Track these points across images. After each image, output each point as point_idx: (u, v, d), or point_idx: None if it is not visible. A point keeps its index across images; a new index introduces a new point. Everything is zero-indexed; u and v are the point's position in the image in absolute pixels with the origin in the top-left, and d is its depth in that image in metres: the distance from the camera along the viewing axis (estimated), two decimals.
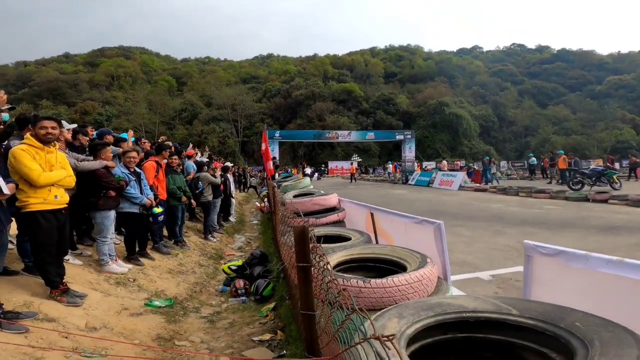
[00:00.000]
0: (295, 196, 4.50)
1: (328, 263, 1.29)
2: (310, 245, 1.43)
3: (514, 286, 3.82)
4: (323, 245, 2.49)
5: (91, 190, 3.88)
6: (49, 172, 2.85)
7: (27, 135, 2.91)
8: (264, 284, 4.16)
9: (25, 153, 2.73)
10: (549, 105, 61.06)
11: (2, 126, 3.06)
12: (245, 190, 19.75)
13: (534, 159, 22.89)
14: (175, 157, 5.94)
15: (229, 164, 11.30)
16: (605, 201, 10.08)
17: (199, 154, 10.16)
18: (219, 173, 8.22)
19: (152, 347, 2.95)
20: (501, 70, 72.73)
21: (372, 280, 1.85)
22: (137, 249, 4.70)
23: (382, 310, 1.55)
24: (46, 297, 3.03)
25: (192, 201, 6.34)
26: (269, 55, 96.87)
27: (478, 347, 1.45)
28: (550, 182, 17.36)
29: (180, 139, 46.07)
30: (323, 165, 48.87)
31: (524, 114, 58.85)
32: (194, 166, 7.24)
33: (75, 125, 4.50)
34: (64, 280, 3.12)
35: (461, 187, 16.79)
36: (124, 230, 4.89)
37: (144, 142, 7.12)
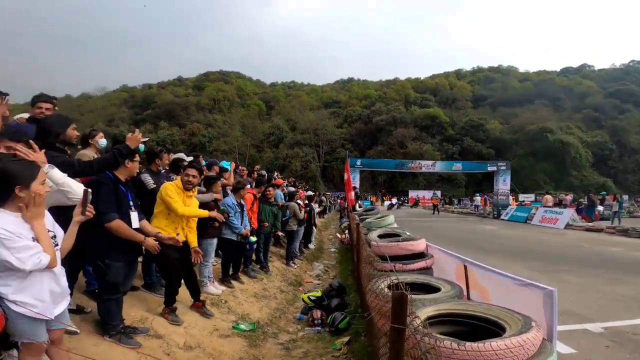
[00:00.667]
0: (380, 236, 4.46)
1: (427, 327, 1.26)
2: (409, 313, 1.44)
3: (630, 340, 3.48)
4: (412, 296, 2.41)
5: (200, 220, 4.42)
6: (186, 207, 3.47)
7: (178, 179, 3.57)
8: (340, 317, 4.19)
9: (173, 188, 3.41)
10: None
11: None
12: (324, 216, 20.16)
13: None
14: (271, 189, 6.41)
15: (310, 192, 11.76)
16: None
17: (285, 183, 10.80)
18: (305, 202, 8.61)
19: None
20: (619, 90, 62.62)
21: (468, 344, 1.73)
22: (230, 272, 5.14)
23: None
24: (157, 313, 3.48)
25: (279, 232, 6.76)
26: (349, 80, 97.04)
27: None
28: None
29: (268, 162, 49.45)
30: (402, 195, 47.38)
31: None
32: (282, 195, 7.72)
33: (191, 159, 5.19)
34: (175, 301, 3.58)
35: (568, 226, 14.59)
36: (221, 253, 5.39)
37: (242, 170, 7.81)
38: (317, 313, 4.44)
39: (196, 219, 3.71)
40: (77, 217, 1.95)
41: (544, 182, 46.05)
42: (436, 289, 2.51)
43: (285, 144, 56.83)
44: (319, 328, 4.29)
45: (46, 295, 1.79)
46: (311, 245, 9.95)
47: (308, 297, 4.98)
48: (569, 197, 23.85)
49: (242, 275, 5.51)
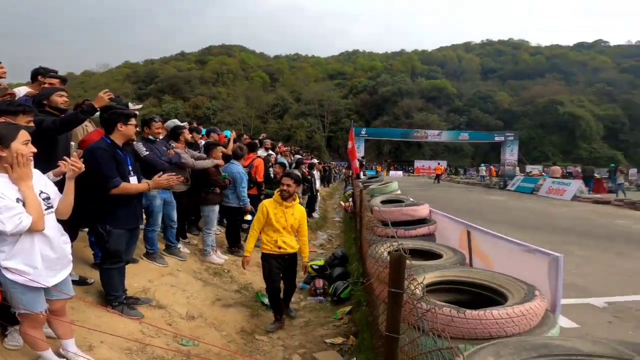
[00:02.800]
0: (382, 202, 4.39)
1: (425, 291, 1.21)
2: (406, 275, 1.38)
3: (634, 316, 3.44)
4: (413, 262, 2.37)
5: (201, 186, 4.38)
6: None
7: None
8: (342, 286, 4.20)
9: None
10: None
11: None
12: (329, 185, 20.24)
13: None
14: (273, 154, 6.33)
15: (315, 160, 11.68)
16: None
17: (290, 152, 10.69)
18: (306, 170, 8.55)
19: (235, 340, 3.20)
20: (634, 66, 60.39)
21: (467, 312, 1.69)
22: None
23: (477, 347, 1.41)
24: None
25: None
26: (354, 52, 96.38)
27: None
28: None
29: (273, 132, 49.48)
30: (407, 165, 47.36)
31: None
32: (286, 162, 7.64)
33: (140, 106, 4.96)
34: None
35: (575, 198, 14.44)
36: (225, 222, 5.38)
37: (245, 138, 7.70)
38: (320, 282, 4.45)
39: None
40: (69, 173, 1.92)
41: (552, 154, 45.36)
42: (438, 256, 2.47)
43: (290, 115, 57.07)
44: (321, 297, 4.32)
45: (38, 261, 1.74)
46: (315, 215, 9.98)
47: (310, 266, 5.00)
48: (578, 169, 23.53)
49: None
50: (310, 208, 9.57)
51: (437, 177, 27.04)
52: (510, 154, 22.75)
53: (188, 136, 4.69)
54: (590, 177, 17.44)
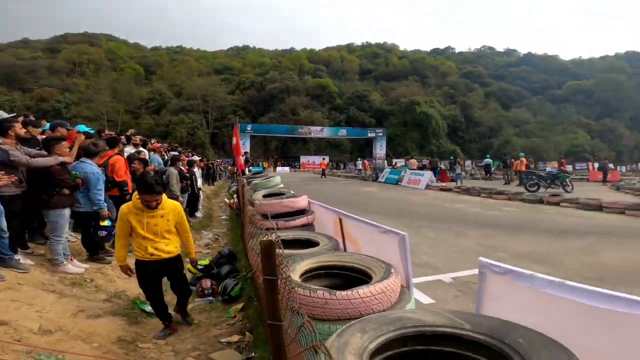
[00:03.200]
0: (264, 196, 4.46)
1: (289, 277, 1.29)
2: (277, 260, 1.44)
3: (471, 289, 3.84)
4: (292, 250, 2.49)
5: (44, 187, 3.65)
6: None
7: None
8: (232, 284, 4.11)
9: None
10: (512, 107, 64.13)
11: None
12: (214, 183, 19.41)
13: (489, 160, 24.17)
14: (144, 151, 5.67)
15: (196, 157, 10.96)
16: (557, 204, 10.80)
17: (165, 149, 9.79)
18: (185, 167, 7.99)
19: (112, 350, 2.84)
20: (471, 72, 75.40)
21: (338, 293, 1.87)
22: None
23: (346, 326, 1.58)
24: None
25: None
26: (244, 47, 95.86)
27: (435, 359, 1.52)
28: (507, 183, 18.31)
29: (147, 128, 44.55)
30: (294, 161, 49.02)
31: (489, 115, 61.47)
32: (159, 160, 6.98)
33: (8, 116, 4.18)
34: None
35: (428, 186, 17.35)
36: (80, 229, 4.63)
37: (106, 133, 6.74)
38: (207, 282, 4.28)
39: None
40: None
41: (411, 148, 53.13)
42: (316, 244, 2.66)
43: (168, 110, 52.68)
44: (211, 298, 4.17)
45: None
46: (198, 214, 9.45)
47: (195, 266, 4.76)
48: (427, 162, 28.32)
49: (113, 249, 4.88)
50: (192, 207, 9.00)
51: (323, 171, 29.11)
52: (380, 149, 25.78)
53: (21, 131, 3.85)
54: (436, 168, 21.14)
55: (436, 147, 54.89)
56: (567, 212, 9.55)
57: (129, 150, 6.16)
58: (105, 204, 4.29)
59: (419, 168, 22.14)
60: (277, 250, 1.47)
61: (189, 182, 7.72)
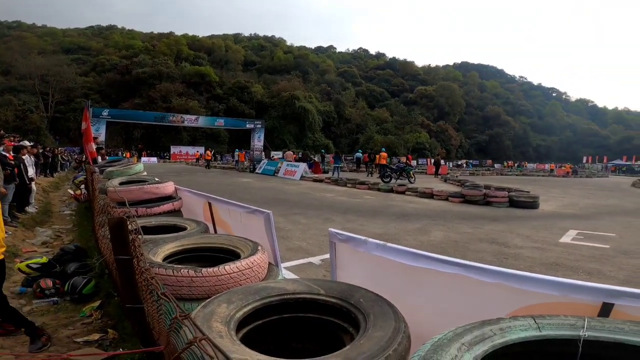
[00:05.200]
0: (122, 184, 4.00)
1: (142, 254, 1.27)
2: (131, 237, 1.37)
3: None
4: (154, 236, 2.36)
5: None
6: None
7: None
8: (82, 281, 3.64)
9: None
10: (376, 107, 72.48)
11: None
12: (53, 175, 16.15)
13: (359, 154, 27.21)
14: None
15: (26, 142, 8.83)
16: (403, 192, 12.93)
17: None
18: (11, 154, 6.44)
19: None
20: (346, 71, 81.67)
21: (204, 270, 1.90)
22: None
23: (212, 297, 1.64)
24: None
25: None
26: (110, 27, 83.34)
27: (301, 325, 1.67)
28: (370, 175, 20.91)
29: None
30: (164, 151, 44.85)
31: (357, 113, 67.91)
32: None
33: None
34: None
35: (302, 177, 18.34)
36: None
37: None
38: (48, 282, 3.72)
39: None
40: None
41: (289, 141, 54.86)
42: (182, 229, 2.59)
43: None
44: (55, 298, 3.64)
45: None
46: (30, 209, 7.78)
47: (27, 266, 4.03)
48: (307, 155, 29.83)
49: None
50: (21, 201, 7.35)
51: (208, 162, 28.47)
52: (258, 141, 25.79)
53: None
54: (309, 160, 22.51)
55: (311, 141, 57.96)
56: (410, 200, 11.55)
57: None
58: None
59: (296, 160, 23.07)
60: (133, 231, 1.40)
61: (16, 170, 6.25)
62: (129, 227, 1.51)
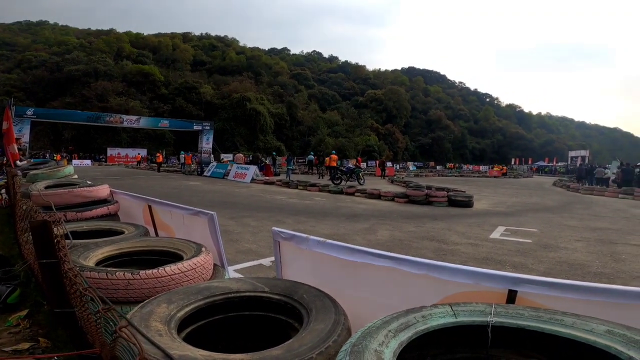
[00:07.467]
0: (49, 187, 3.67)
1: (66, 255, 1.21)
2: (55, 240, 1.30)
3: None
4: (86, 240, 2.21)
5: None
6: None
7: None
8: (6, 290, 3.28)
9: None
10: (327, 109, 73.59)
11: None
12: None
13: (311, 156, 27.53)
14: None
15: None
16: (353, 194, 13.32)
17: None
18: None
19: None
20: (299, 73, 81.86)
21: (142, 272, 1.83)
22: None
23: (151, 298, 1.59)
24: None
25: None
26: (40, 22, 77.36)
27: (248, 324, 1.68)
28: (321, 177, 21.21)
29: None
30: (99, 154, 41.54)
31: (309, 115, 68.38)
32: None
33: None
34: None
35: (253, 180, 18.07)
36: None
37: None
38: None
39: None
40: None
41: (239, 143, 53.71)
42: (119, 233, 2.46)
43: None
44: None
45: None
46: None
47: None
48: (259, 156, 29.41)
49: None
50: None
51: (159, 165, 26.97)
52: (207, 143, 24.97)
53: None
54: (260, 163, 22.29)
55: (263, 143, 57.27)
56: (359, 201, 11.93)
57: None
58: None
59: (246, 163, 22.67)
60: (60, 236, 1.33)
61: None
62: (55, 231, 1.42)
